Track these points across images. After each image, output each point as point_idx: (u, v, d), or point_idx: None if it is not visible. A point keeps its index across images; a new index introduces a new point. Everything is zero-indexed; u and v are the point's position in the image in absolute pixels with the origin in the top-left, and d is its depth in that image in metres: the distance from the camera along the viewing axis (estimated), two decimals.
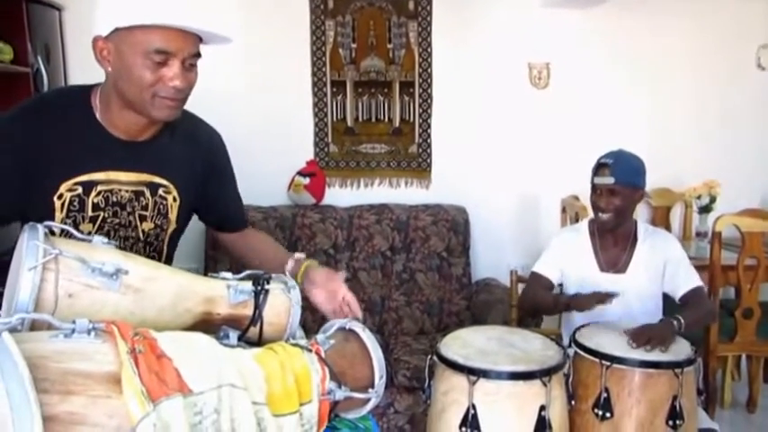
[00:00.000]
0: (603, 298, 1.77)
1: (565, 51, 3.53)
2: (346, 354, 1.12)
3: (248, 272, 1.19)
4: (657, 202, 3.56)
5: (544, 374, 1.48)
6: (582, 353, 1.70)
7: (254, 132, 3.34)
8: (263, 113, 3.40)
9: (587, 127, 3.53)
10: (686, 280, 2.04)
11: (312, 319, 3.05)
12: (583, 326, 1.85)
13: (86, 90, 1.29)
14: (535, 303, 2.14)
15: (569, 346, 1.74)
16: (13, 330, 0.78)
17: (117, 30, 1.16)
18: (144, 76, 1.17)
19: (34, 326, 0.90)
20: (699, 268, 2.16)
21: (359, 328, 1.17)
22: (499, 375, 1.48)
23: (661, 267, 2.07)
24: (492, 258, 3.54)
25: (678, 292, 2.03)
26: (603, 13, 3.45)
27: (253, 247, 1.51)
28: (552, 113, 3.58)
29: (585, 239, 2.14)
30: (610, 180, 1.98)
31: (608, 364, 1.62)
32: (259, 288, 1.14)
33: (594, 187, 2.05)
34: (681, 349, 1.71)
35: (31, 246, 0.93)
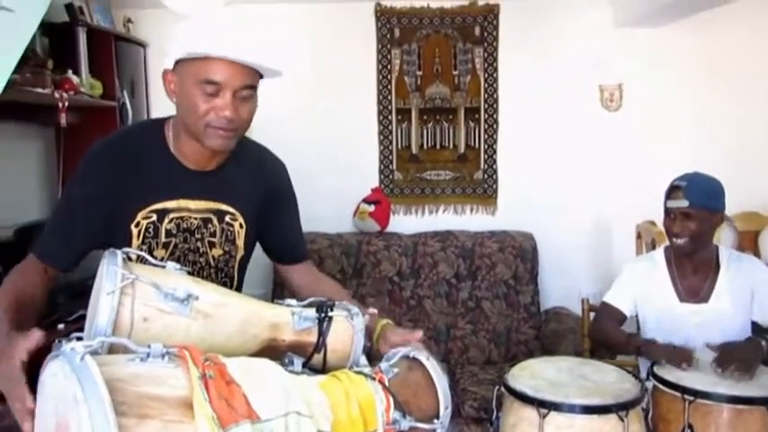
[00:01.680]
0: (682, 358, 1.67)
1: (638, 71, 3.43)
2: (410, 383, 1.11)
3: (312, 299, 1.20)
4: (744, 226, 3.35)
5: (621, 409, 1.40)
6: (661, 386, 1.60)
7: (320, 160, 3.41)
8: (329, 141, 3.48)
9: (663, 149, 3.40)
10: None
11: (376, 347, 3.06)
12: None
13: (161, 122, 1.36)
14: (605, 338, 2.04)
15: (647, 378, 1.65)
16: (93, 353, 0.82)
17: (178, 61, 1.23)
18: (198, 105, 1.22)
19: (112, 348, 0.94)
20: None
21: (423, 356, 1.15)
22: (572, 409, 1.41)
23: (748, 295, 1.94)
24: (562, 286, 3.44)
25: None
26: (678, 31, 3.34)
27: (306, 281, 1.50)
28: (625, 136, 3.48)
29: (662, 268, 2.03)
30: (684, 203, 1.88)
31: (691, 398, 1.51)
32: (323, 315, 1.15)
33: (668, 211, 1.95)
34: None
35: (110, 271, 0.98)
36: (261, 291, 3.14)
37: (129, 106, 3.08)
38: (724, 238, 3.09)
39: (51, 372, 0.82)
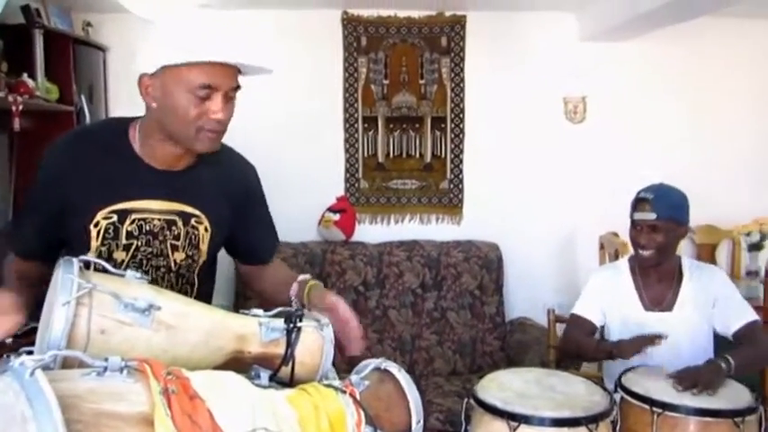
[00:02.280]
0: (649, 341, 1.69)
1: (602, 85, 3.50)
2: (382, 396, 1.08)
3: (280, 309, 1.16)
4: (702, 239, 3.44)
5: (591, 421, 1.39)
6: (630, 398, 1.60)
7: (285, 167, 3.36)
8: (294, 149, 3.43)
9: (626, 161, 3.47)
10: (739, 314, 1.92)
11: (341, 359, 3.01)
12: (629, 369, 1.75)
13: (126, 122, 1.33)
14: (576, 349, 2.04)
15: (615, 390, 1.65)
16: (45, 368, 0.76)
17: (163, 68, 1.19)
18: (189, 111, 1.20)
19: (66, 362, 0.88)
20: None
21: (394, 368, 1.12)
22: (542, 422, 1.40)
23: (710, 304, 1.97)
24: (527, 297, 3.46)
25: (731, 328, 1.92)
26: (644, 45, 3.42)
27: (268, 277, 1.49)
28: (589, 148, 3.53)
29: (627, 278, 2.05)
30: (651, 216, 1.91)
31: (659, 411, 1.52)
32: (291, 326, 1.11)
33: (634, 223, 1.97)
34: (741, 396, 1.59)
35: (65, 279, 0.92)
36: (223, 303, 3.05)
37: (86, 111, 2.98)
38: (683, 251, 3.16)
39: None
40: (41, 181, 1.31)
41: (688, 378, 1.63)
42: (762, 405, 1.57)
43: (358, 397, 1.03)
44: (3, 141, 2.82)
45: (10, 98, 2.33)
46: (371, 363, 1.14)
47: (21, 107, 2.37)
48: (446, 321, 3.24)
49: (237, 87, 1.25)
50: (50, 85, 2.74)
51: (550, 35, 3.48)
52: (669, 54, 3.46)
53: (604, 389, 1.56)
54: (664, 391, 1.58)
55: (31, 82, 2.54)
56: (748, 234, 3.23)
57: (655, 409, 1.52)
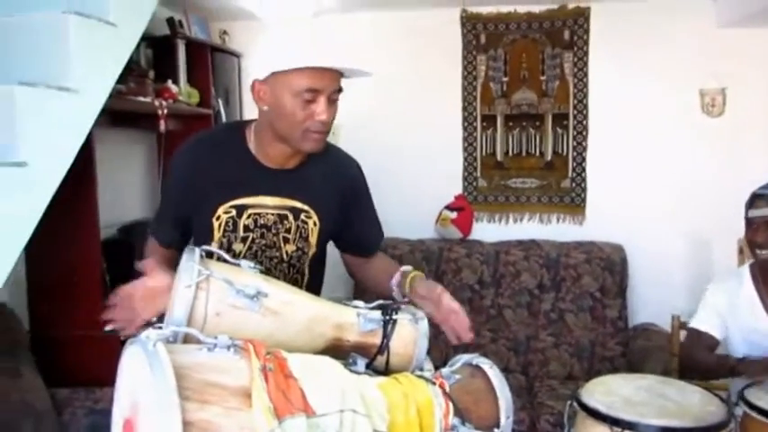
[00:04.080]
0: None
1: (743, 75, 3.19)
2: (471, 390, 1.10)
3: (379, 302, 1.22)
4: None
5: None
6: (752, 413, 1.48)
7: (404, 166, 3.44)
8: (413, 147, 3.49)
9: None
10: None
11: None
12: (754, 382, 1.62)
13: (242, 125, 1.47)
14: (695, 366, 1.91)
15: (737, 403, 1.53)
16: (166, 341, 0.88)
17: (273, 73, 1.30)
18: (296, 114, 1.30)
19: (186, 339, 1.00)
20: None
21: (486, 365, 1.14)
22: (647, 429, 1.35)
23: None
24: (654, 302, 3.25)
25: None
26: None
27: (371, 268, 1.56)
28: (727, 143, 3.25)
29: (748, 286, 1.89)
30: (767, 212, 1.76)
31: None
32: (387, 318, 1.17)
33: (750, 222, 1.82)
34: None
35: (187, 266, 1.05)
36: (340, 294, 3.20)
37: (223, 113, 3.25)
38: None
39: (129, 355, 0.88)
40: (172, 181, 1.48)
41: None
42: None
43: (447, 389, 1.06)
44: (152, 141, 3.15)
45: (156, 103, 2.60)
46: (463, 357, 1.17)
47: (166, 111, 2.64)
48: (564, 323, 3.15)
49: (340, 90, 1.33)
50: (192, 90, 3.02)
51: (683, 23, 3.22)
52: None
53: (723, 400, 1.46)
54: None
55: (174, 87, 2.81)
56: None
57: None
